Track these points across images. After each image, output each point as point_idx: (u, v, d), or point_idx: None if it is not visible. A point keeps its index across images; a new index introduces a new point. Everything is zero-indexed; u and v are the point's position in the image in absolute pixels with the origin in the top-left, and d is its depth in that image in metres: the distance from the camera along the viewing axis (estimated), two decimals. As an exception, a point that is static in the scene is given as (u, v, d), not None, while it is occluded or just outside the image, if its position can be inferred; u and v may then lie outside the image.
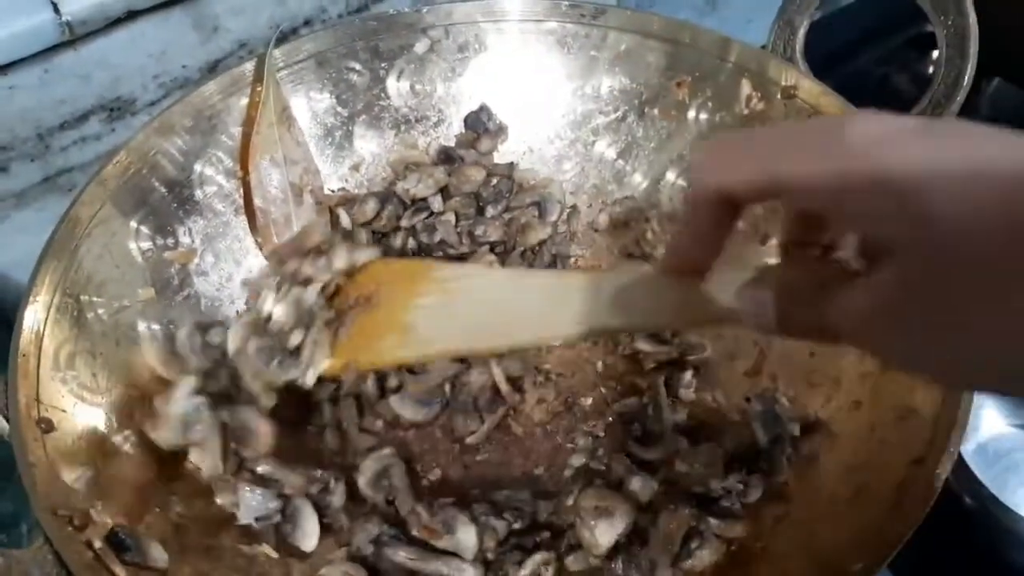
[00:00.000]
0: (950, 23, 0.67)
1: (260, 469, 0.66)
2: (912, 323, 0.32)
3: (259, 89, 0.76)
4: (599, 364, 0.77)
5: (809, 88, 0.72)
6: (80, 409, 0.60)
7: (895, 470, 0.56)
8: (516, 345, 0.54)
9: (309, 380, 0.58)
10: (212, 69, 0.83)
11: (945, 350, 0.32)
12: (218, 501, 0.63)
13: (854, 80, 1.11)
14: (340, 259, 0.62)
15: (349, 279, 0.61)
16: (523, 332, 0.50)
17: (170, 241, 0.72)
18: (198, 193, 0.74)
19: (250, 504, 0.63)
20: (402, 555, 0.62)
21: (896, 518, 0.53)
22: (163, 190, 0.71)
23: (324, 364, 0.58)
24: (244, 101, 0.76)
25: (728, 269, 0.41)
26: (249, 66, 0.75)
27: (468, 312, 0.53)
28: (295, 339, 0.59)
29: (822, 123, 0.38)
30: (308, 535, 0.64)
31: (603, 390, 0.76)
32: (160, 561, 0.56)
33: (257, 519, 0.63)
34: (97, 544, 0.53)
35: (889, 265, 0.32)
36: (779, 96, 0.73)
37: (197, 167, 0.74)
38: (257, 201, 0.76)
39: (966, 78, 0.66)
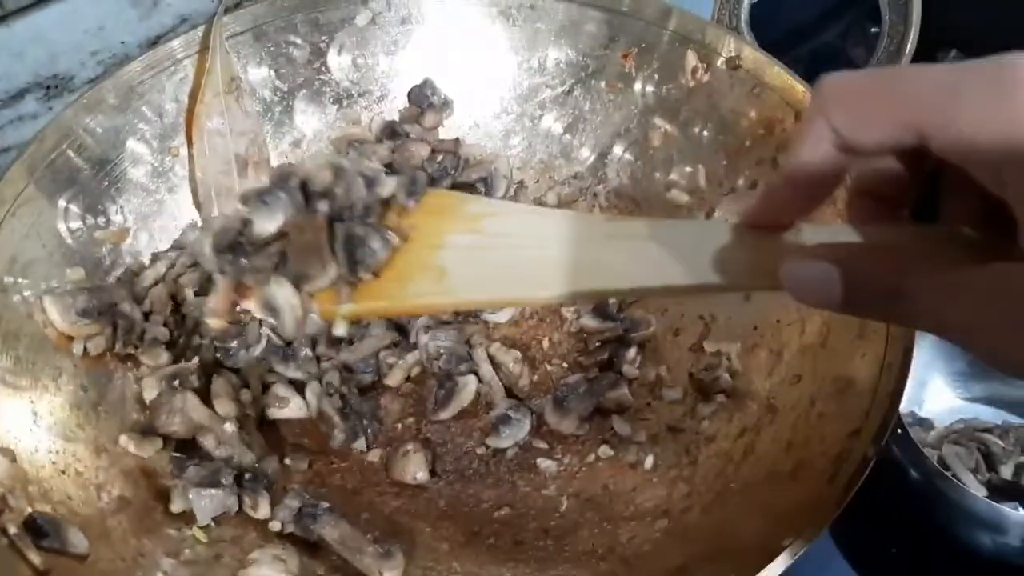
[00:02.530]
0: (893, -10, 0.66)
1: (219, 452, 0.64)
2: None
3: (206, 57, 0.74)
4: (545, 342, 0.76)
5: (753, 57, 0.71)
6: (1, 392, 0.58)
7: (833, 443, 0.55)
8: (557, 299, 0.45)
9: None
10: (153, 45, 0.81)
11: None
12: (174, 510, 0.61)
13: (818, 53, 1.10)
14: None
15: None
16: (569, 283, 0.43)
17: (101, 220, 0.70)
18: (130, 171, 0.72)
19: (206, 507, 0.61)
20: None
21: (832, 491, 0.52)
22: (93, 168, 0.70)
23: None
24: (178, 76, 0.74)
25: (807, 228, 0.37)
26: (178, 43, 0.74)
27: (506, 258, 0.46)
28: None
29: (980, 69, 0.30)
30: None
31: (548, 367, 0.75)
32: (80, 547, 0.54)
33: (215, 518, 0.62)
34: (12, 530, 0.52)
35: None
36: (724, 67, 0.72)
37: (129, 145, 0.72)
38: (199, 172, 0.75)
39: (909, 44, 0.65)
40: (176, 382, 0.67)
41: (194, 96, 0.74)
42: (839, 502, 0.51)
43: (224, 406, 0.66)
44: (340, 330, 0.45)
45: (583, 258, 0.43)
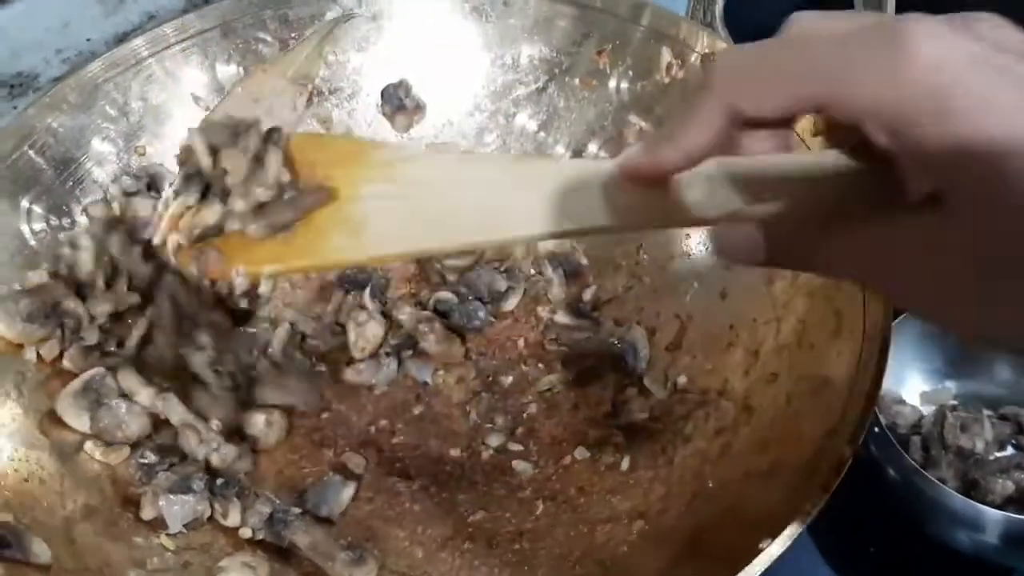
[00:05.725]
0: (868, -20, 0.66)
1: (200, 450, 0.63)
2: (951, 278, 0.30)
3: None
4: (520, 342, 0.75)
5: (728, 54, 0.70)
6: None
7: (809, 442, 0.55)
8: (474, 244, 0.48)
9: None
10: (120, 42, 0.79)
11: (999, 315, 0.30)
12: (144, 517, 0.60)
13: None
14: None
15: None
16: (483, 230, 0.43)
17: (66, 221, 0.69)
18: (95, 171, 0.71)
19: (177, 514, 0.60)
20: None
21: (808, 491, 0.51)
22: (56, 169, 0.69)
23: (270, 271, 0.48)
24: (143, 74, 0.73)
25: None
26: (143, 40, 0.73)
27: (423, 205, 0.44)
28: None
29: (872, 34, 0.30)
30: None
31: (524, 368, 0.74)
32: (43, 557, 0.53)
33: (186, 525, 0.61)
34: (-28, 541, 0.51)
35: (942, 212, 0.29)
36: (699, 63, 0.72)
37: (93, 144, 0.71)
38: None
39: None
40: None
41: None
42: (816, 502, 0.50)
43: None
44: (264, 288, 0.49)
45: (495, 203, 0.43)
